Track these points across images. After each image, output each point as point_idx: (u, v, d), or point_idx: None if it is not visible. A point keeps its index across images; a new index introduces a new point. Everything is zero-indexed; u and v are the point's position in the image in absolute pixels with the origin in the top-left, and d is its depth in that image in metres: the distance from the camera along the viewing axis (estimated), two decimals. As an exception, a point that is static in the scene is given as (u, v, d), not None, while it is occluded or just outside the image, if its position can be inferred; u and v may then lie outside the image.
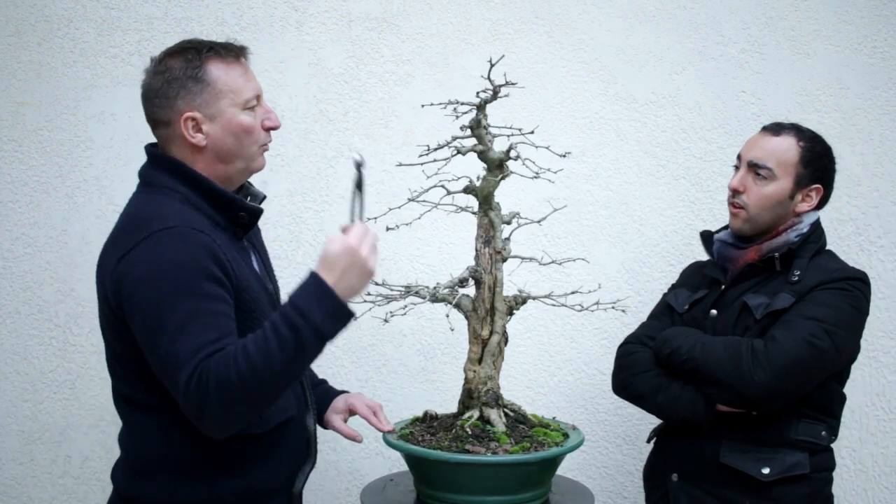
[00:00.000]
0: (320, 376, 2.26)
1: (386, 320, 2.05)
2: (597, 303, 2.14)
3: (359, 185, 1.71)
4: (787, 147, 2.19)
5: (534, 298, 2.13)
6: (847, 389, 2.23)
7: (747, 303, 2.16)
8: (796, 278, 2.15)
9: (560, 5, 2.77)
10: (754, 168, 2.20)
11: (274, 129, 1.91)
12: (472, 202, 2.12)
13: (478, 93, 1.93)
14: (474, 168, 2.09)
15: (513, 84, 1.93)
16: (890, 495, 2.70)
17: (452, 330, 2.08)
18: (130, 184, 2.65)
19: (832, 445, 2.22)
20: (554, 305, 2.14)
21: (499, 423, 2.04)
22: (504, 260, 2.07)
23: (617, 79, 2.77)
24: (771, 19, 2.74)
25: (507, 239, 2.12)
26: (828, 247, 2.28)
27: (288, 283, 1.89)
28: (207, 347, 1.62)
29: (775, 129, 2.24)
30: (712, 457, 2.14)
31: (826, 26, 2.73)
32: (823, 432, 2.15)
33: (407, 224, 2.12)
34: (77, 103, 2.75)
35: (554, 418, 2.21)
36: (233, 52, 1.86)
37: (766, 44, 2.74)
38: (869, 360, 2.69)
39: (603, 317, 2.58)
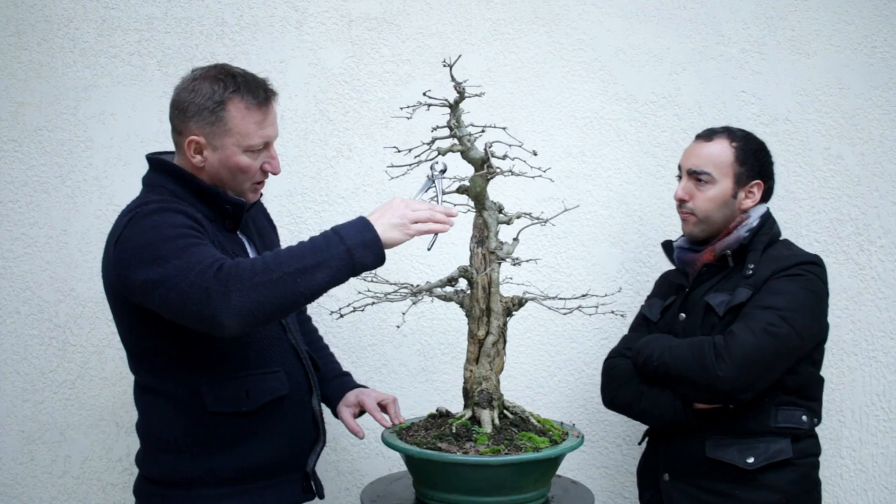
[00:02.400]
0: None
1: (356, 309, 2.10)
2: (596, 306, 2.14)
3: (434, 178, 1.97)
4: (721, 150, 2.29)
5: (541, 301, 2.11)
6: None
7: (709, 302, 2.24)
8: (751, 271, 2.22)
9: (560, 5, 2.77)
10: (695, 175, 2.29)
11: (273, 173, 2.05)
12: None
13: (424, 93, 1.93)
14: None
15: (464, 82, 1.93)
16: (890, 495, 2.70)
17: (398, 327, 2.10)
18: (130, 184, 2.64)
19: (817, 431, 2.27)
20: (554, 309, 2.13)
21: (487, 425, 2.02)
22: (500, 261, 2.06)
23: (617, 79, 2.77)
24: (771, 19, 2.75)
25: (516, 239, 2.12)
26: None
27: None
28: (218, 256, 1.77)
29: (707, 134, 2.33)
30: (699, 452, 2.21)
31: (826, 26, 2.73)
32: (804, 417, 2.21)
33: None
34: (77, 103, 2.75)
35: (574, 425, 2.19)
36: (258, 98, 1.98)
37: (766, 44, 2.74)
38: (869, 360, 2.69)
39: (603, 317, 2.58)
